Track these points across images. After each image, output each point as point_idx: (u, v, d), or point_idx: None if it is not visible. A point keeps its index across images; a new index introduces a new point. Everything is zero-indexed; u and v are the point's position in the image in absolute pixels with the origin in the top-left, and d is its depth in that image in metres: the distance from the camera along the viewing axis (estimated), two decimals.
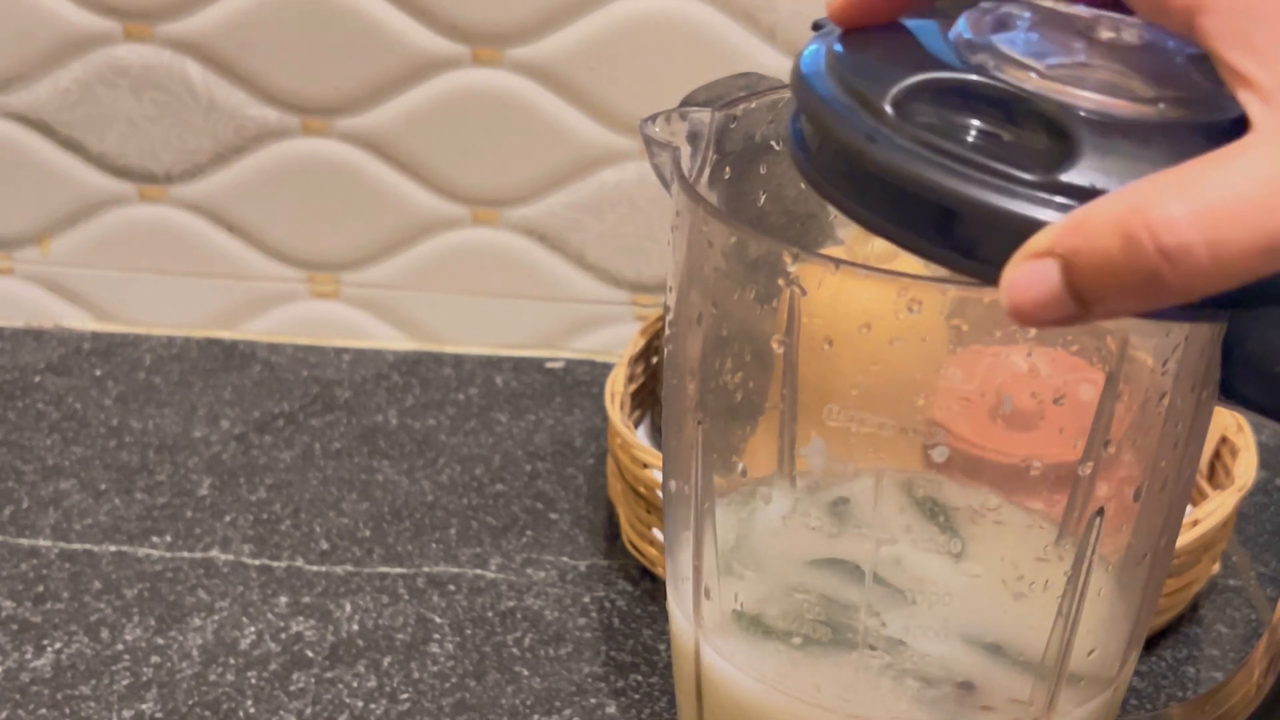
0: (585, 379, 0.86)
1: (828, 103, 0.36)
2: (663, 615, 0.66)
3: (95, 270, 0.88)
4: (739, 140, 0.48)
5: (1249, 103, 0.31)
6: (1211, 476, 0.70)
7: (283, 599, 0.67)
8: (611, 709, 0.61)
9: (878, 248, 0.39)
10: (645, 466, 0.65)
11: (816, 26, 0.41)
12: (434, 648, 0.64)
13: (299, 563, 0.69)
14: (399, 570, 0.69)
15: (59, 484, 0.74)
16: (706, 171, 0.47)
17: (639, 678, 0.63)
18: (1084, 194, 0.32)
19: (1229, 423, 0.69)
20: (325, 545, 0.71)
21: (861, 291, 0.40)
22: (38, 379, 0.83)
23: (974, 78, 0.35)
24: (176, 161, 0.84)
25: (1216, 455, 0.70)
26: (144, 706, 0.60)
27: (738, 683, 0.47)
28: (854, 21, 0.38)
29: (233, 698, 0.61)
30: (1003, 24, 0.38)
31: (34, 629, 0.64)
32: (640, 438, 0.69)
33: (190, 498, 0.74)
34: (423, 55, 0.80)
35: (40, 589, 0.67)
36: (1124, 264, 0.30)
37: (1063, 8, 0.39)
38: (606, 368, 0.86)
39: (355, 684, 0.62)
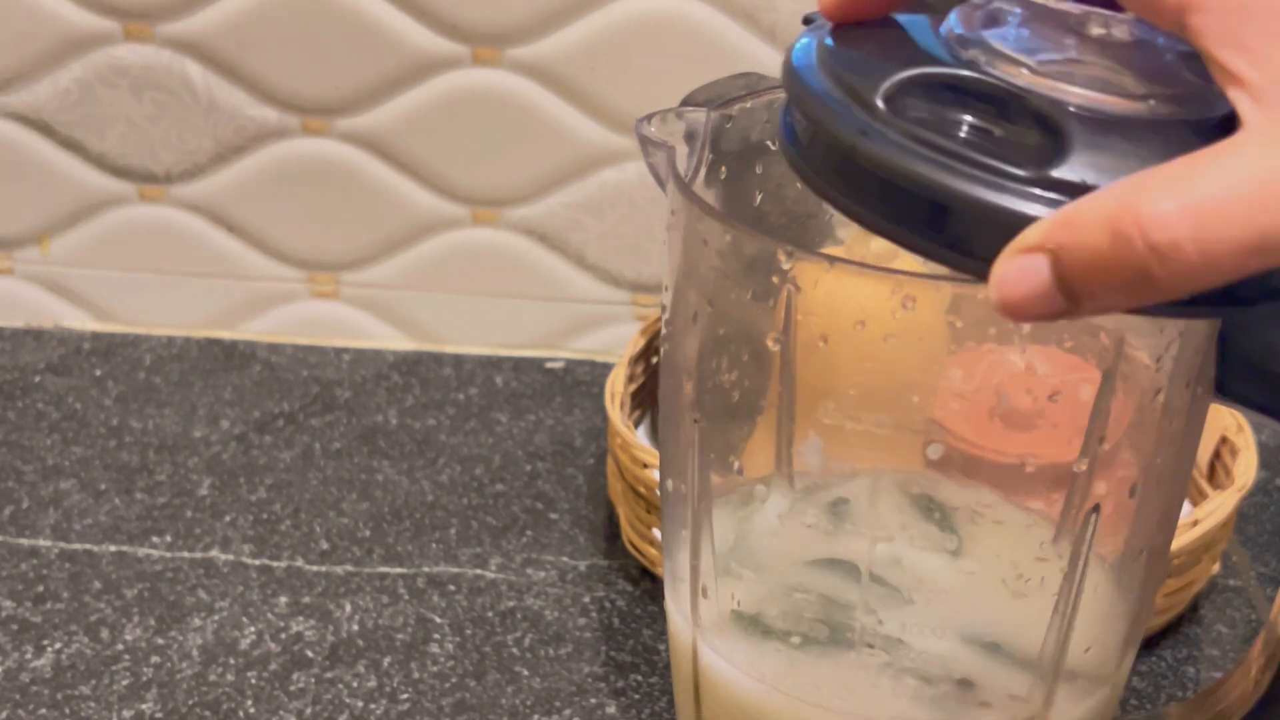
0: (585, 379, 0.86)
1: (820, 97, 0.36)
2: (663, 615, 0.66)
3: (95, 270, 0.88)
4: (735, 140, 0.48)
5: (1239, 101, 0.31)
6: (1211, 476, 0.70)
7: (283, 599, 0.67)
8: (611, 709, 0.61)
9: (877, 248, 0.39)
10: (645, 466, 0.65)
11: (807, 21, 0.41)
12: (434, 648, 0.64)
13: (299, 563, 0.69)
14: (399, 570, 0.69)
15: (59, 484, 0.74)
16: (703, 171, 0.47)
17: (639, 678, 0.63)
18: (1075, 190, 0.32)
19: (1229, 423, 0.69)
20: (325, 545, 0.71)
21: (857, 289, 0.40)
22: (38, 379, 0.84)
23: (966, 73, 0.36)
24: (176, 161, 0.84)
25: (1216, 455, 0.69)
26: (144, 706, 0.60)
27: (736, 682, 0.47)
28: (845, 17, 0.38)
29: (233, 698, 0.61)
30: (994, 20, 0.38)
31: (34, 629, 0.64)
32: (640, 438, 0.69)
33: (190, 498, 0.74)
34: (423, 55, 0.80)
35: (40, 589, 0.67)
36: (1113, 260, 0.30)
37: (1053, 4, 0.39)
38: (606, 368, 0.86)
39: (355, 684, 0.62)
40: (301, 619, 0.66)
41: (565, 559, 0.70)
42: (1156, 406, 0.41)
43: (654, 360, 0.76)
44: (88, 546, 0.70)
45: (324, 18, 0.79)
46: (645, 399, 0.75)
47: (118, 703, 0.60)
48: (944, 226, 0.34)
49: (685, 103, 0.49)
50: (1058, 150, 0.33)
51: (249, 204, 0.85)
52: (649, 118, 0.46)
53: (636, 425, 0.74)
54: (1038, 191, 0.33)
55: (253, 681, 0.62)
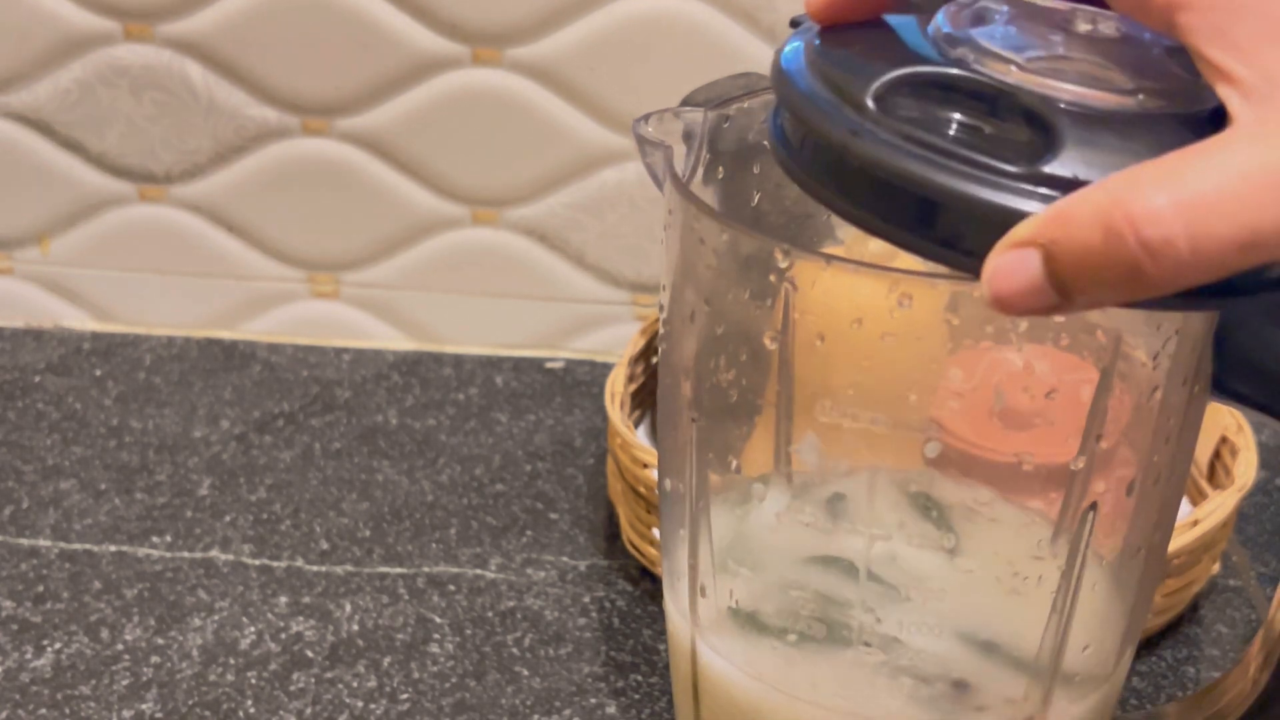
0: (585, 379, 0.86)
1: (810, 98, 0.36)
2: (663, 615, 0.66)
3: (95, 270, 0.88)
4: (733, 140, 0.48)
5: (1229, 98, 0.32)
6: (1211, 476, 0.70)
7: (283, 599, 0.67)
8: (611, 709, 0.61)
9: (876, 247, 0.39)
10: (645, 466, 0.65)
11: (794, 24, 0.41)
12: (434, 648, 0.64)
13: (299, 563, 0.69)
14: (399, 570, 0.69)
15: (59, 484, 0.74)
16: (700, 171, 0.47)
17: (639, 678, 0.63)
18: (1066, 185, 0.32)
19: (1229, 422, 0.69)
20: (325, 545, 0.71)
21: (854, 288, 0.40)
22: (38, 379, 0.84)
23: (955, 71, 0.36)
24: (176, 161, 0.84)
25: (1216, 455, 0.69)
26: (144, 706, 0.60)
27: (734, 680, 0.47)
28: (833, 19, 0.39)
29: (233, 698, 0.61)
30: (980, 18, 0.38)
31: (34, 629, 0.64)
32: (640, 438, 0.69)
33: (190, 498, 0.74)
34: (423, 55, 0.80)
35: (40, 589, 0.67)
36: (1105, 255, 0.30)
37: (1039, 1, 0.39)
38: (606, 368, 0.86)
39: (355, 684, 0.62)
40: (301, 619, 0.66)
41: (565, 559, 0.70)
42: (1154, 405, 0.41)
43: (654, 360, 0.76)
44: (88, 546, 0.70)
45: (324, 18, 0.79)
46: (645, 399, 0.75)
47: (118, 703, 0.60)
48: (937, 224, 0.34)
49: (685, 103, 0.49)
50: (1048, 146, 0.33)
51: (249, 204, 0.85)
52: (646, 118, 0.46)
53: (636, 425, 0.74)
54: (1029, 187, 0.33)
55: (253, 681, 0.62)
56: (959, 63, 0.36)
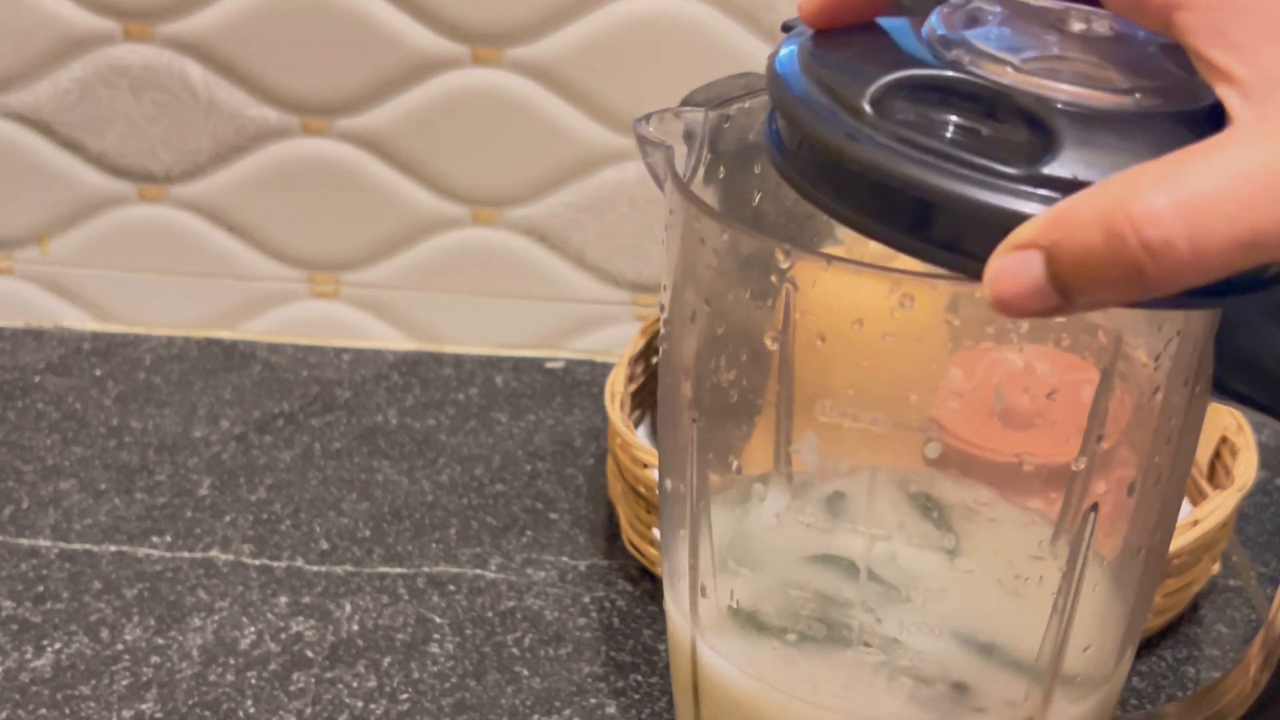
0: (585, 379, 0.86)
1: (806, 103, 0.36)
2: (663, 615, 0.66)
3: (95, 270, 0.88)
4: (733, 140, 0.48)
5: (1228, 97, 0.32)
6: (1211, 476, 0.70)
7: (283, 599, 0.67)
8: (611, 709, 0.61)
9: (876, 248, 0.39)
10: (645, 466, 0.65)
11: (786, 28, 0.41)
12: (434, 648, 0.64)
13: (299, 563, 0.69)
14: (399, 570, 0.69)
15: (59, 484, 0.74)
16: (701, 171, 0.47)
17: (639, 678, 0.63)
18: (1066, 186, 0.32)
19: (1229, 422, 0.69)
20: (325, 545, 0.71)
21: (855, 288, 0.40)
22: (38, 379, 0.84)
23: (951, 73, 0.36)
24: (176, 161, 0.84)
25: (1217, 455, 0.69)
26: (144, 706, 0.60)
27: (734, 680, 0.47)
28: (826, 23, 0.39)
29: (233, 698, 0.61)
30: (974, 19, 0.38)
31: (34, 629, 0.64)
32: (640, 438, 0.69)
33: (190, 498, 0.74)
34: (423, 55, 0.80)
35: (40, 589, 0.67)
36: (1106, 256, 0.30)
37: (1032, 2, 0.39)
38: (606, 368, 0.86)
39: (355, 684, 0.62)
40: (301, 619, 0.66)
41: (565, 559, 0.70)
42: (1155, 405, 0.41)
43: (654, 360, 0.76)
44: (88, 546, 0.70)
45: (324, 18, 0.79)
46: (645, 399, 0.75)
47: (118, 703, 0.60)
48: (936, 227, 0.34)
49: (685, 103, 0.49)
50: (1047, 147, 0.33)
51: (249, 204, 0.85)
52: (647, 117, 0.46)
53: (636, 425, 0.74)
54: (1029, 189, 0.33)
55: (253, 681, 0.62)
56: (954, 65, 0.36)
